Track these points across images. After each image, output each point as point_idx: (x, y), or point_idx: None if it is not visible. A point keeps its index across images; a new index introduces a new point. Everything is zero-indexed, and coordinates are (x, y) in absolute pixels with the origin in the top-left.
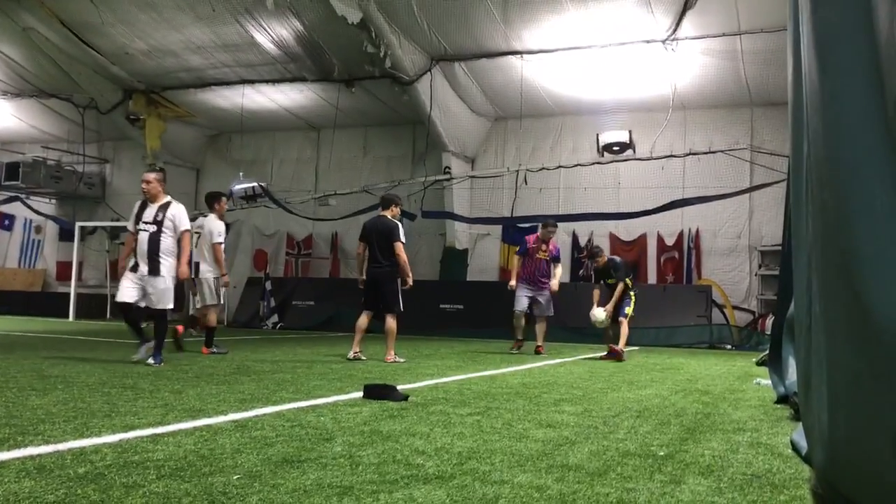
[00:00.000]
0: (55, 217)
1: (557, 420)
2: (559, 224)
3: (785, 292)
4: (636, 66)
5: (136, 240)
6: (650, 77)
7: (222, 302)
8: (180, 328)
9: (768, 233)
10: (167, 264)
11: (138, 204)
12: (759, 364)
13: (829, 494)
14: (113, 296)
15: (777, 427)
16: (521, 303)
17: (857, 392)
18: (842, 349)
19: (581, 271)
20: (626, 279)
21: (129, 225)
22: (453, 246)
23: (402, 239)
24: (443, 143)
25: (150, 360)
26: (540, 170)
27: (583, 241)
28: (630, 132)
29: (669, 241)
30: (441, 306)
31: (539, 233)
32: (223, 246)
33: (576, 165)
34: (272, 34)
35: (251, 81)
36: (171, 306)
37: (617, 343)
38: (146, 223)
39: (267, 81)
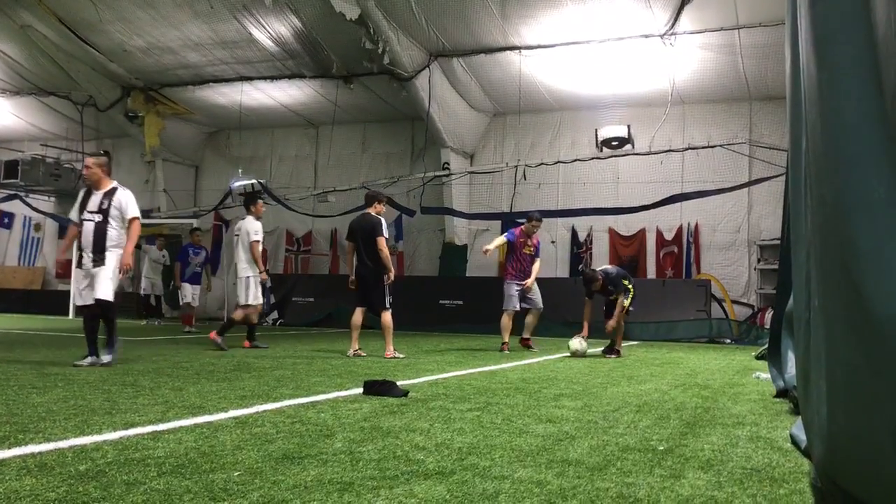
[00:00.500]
0: (54, 215)
1: (557, 415)
2: (559, 219)
3: (784, 286)
4: (634, 60)
5: (80, 231)
6: (648, 72)
7: (262, 300)
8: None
9: (767, 227)
10: (113, 255)
11: (82, 192)
12: (758, 358)
13: (829, 488)
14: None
15: (776, 421)
16: (515, 302)
17: (856, 385)
18: (841, 343)
19: (580, 266)
20: (625, 282)
21: (73, 214)
22: (453, 242)
23: (385, 234)
24: (441, 139)
25: (106, 357)
26: (539, 165)
27: (582, 237)
28: (629, 127)
29: (668, 236)
30: (441, 302)
31: (524, 227)
32: (261, 244)
33: (574, 160)
34: (270, 31)
35: (249, 78)
36: (110, 297)
37: (613, 337)
38: (91, 212)
39: (265, 78)
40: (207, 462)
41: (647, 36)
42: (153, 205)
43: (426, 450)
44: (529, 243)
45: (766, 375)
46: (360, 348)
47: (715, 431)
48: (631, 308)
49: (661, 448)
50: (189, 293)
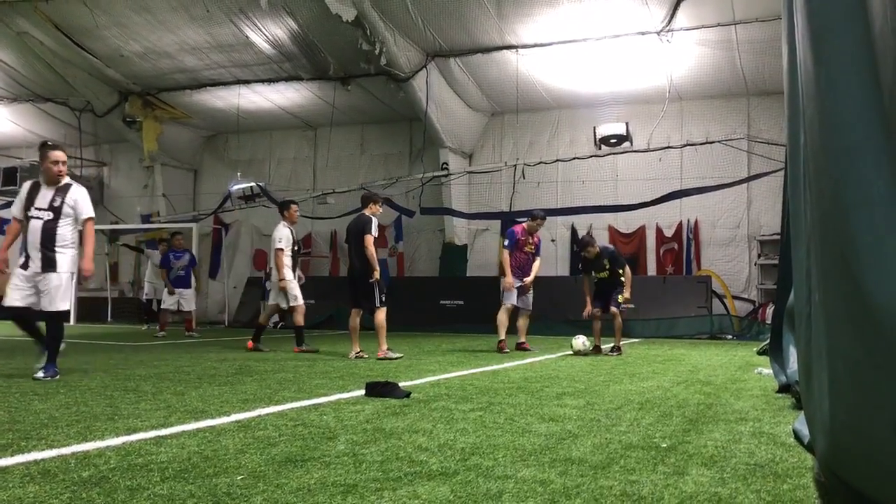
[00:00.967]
0: None
1: (560, 414)
2: (558, 217)
3: (784, 281)
4: (632, 58)
5: (24, 229)
6: (646, 69)
7: (301, 302)
8: (250, 344)
9: (767, 222)
10: (65, 258)
11: (27, 186)
12: (760, 353)
13: (832, 482)
14: (114, 299)
15: (779, 416)
16: (514, 297)
17: (857, 380)
18: (842, 337)
19: (580, 264)
20: (620, 272)
21: (15, 210)
22: (452, 242)
23: (374, 233)
24: (440, 140)
25: (40, 374)
26: (537, 164)
27: (582, 235)
28: (627, 124)
29: (668, 233)
30: (441, 302)
31: (526, 225)
32: (283, 252)
33: (573, 159)
34: (267, 34)
35: (247, 81)
36: (66, 307)
37: (612, 336)
38: (40, 209)
39: (262, 81)
40: (210, 466)
41: (643, 33)
42: (152, 209)
43: (429, 450)
44: (531, 241)
45: (767, 371)
46: (361, 350)
47: (718, 428)
48: (624, 305)
49: (664, 445)
50: (169, 300)
